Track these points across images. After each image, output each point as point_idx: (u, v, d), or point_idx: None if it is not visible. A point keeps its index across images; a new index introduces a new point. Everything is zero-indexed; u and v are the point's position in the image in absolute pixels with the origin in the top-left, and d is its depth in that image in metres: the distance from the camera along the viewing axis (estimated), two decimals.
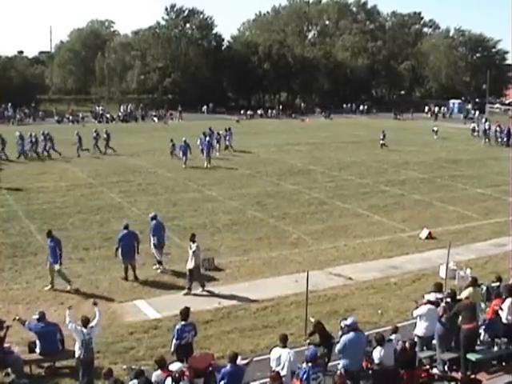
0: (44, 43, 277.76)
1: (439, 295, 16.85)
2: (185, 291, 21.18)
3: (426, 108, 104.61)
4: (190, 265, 21.25)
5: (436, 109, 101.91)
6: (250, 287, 21.80)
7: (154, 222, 24.17)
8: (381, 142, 57.22)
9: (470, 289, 17.23)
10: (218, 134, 53.84)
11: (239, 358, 14.00)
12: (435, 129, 68.30)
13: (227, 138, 54.63)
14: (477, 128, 71.97)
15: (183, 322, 15.38)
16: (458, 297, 16.83)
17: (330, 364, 15.29)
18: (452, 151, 56.78)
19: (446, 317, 15.59)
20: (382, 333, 15.01)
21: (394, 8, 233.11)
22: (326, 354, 15.52)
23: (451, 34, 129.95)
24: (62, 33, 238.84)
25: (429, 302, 16.31)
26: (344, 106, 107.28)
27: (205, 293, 21.26)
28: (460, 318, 15.68)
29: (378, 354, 14.20)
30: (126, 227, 23.26)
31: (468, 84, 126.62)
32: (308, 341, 15.99)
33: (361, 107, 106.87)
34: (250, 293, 21.05)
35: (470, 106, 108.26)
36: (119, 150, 52.65)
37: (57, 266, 21.49)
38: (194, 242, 21.51)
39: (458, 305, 15.90)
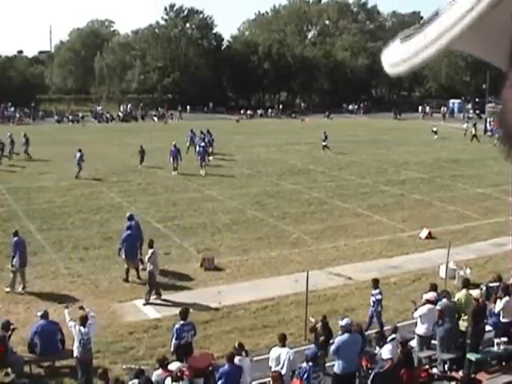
0: (44, 43, 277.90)
1: (435, 294, 16.91)
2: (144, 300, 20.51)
3: (420, 108, 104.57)
4: (147, 272, 20.67)
5: (427, 108, 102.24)
6: (250, 287, 21.81)
7: (131, 222, 23.82)
8: (322, 143, 54.33)
9: (464, 291, 17.08)
10: (208, 136, 51.11)
11: (238, 358, 14.01)
12: (434, 129, 68.04)
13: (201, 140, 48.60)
14: (471, 127, 72.04)
15: (182, 322, 15.38)
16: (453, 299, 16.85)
17: (327, 364, 15.34)
18: (452, 151, 56.76)
19: (445, 319, 15.62)
20: (380, 331, 15.03)
21: (394, 8, 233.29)
22: (324, 353, 15.57)
23: None
24: (61, 32, 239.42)
25: (428, 301, 16.34)
26: (344, 105, 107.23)
27: (159, 301, 20.52)
28: (466, 319, 15.76)
29: (386, 350, 14.22)
30: (130, 228, 23.26)
31: (468, 84, 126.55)
32: (318, 324, 16.03)
33: (350, 106, 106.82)
34: (250, 292, 21.06)
35: (469, 106, 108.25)
36: (119, 149, 52.72)
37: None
38: (151, 247, 20.96)
39: (471, 308, 15.90)
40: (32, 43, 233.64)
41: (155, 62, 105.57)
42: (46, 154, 48.96)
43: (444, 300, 16.03)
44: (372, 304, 17.67)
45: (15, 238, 21.73)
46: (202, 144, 45.78)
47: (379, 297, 17.60)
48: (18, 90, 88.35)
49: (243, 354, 14.23)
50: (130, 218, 24.16)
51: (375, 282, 17.97)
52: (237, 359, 13.85)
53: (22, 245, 21.82)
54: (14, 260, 21.25)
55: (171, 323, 18.35)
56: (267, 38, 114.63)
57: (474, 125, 67.71)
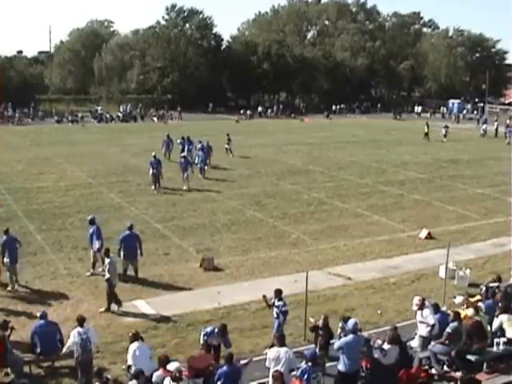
0: (43, 43, 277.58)
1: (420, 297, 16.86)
2: (102, 308, 19.84)
3: (416, 108, 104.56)
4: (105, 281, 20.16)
5: (419, 108, 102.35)
6: (250, 287, 21.79)
7: (94, 226, 23.61)
8: (226, 146, 51.04)
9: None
10: (192, 143, 46.73)
11: (137, 344, 14.09)
12: (443, 131, 65.73)
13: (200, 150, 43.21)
14: (483, 127, 71.70)
15: (216, 330, 15.41)
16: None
17: (327, 365, 15.37)
18: (451, 151, 56.75)
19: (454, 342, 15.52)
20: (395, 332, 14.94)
21: (394, 8, 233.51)
22: (325, 354, 15.61)
23: (450, 33, 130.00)
24: (61, 33, 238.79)
25: (419, 307, 16.39)
26: (336, 106, 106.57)
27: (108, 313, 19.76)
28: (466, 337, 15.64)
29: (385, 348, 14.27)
30: (130, 228, 23.25)
31: (467, 84, 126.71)
32: (319, 322, 16.14)
33: (349, 107, 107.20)
34: (250, 292, 21.01)
35: (469, 106, 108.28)
36: (118, 149, 52.72)
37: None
38: (107, 256, 20.37)
39: (465, 327, 15.69)
40: (32, 43, 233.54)
41: (155, 62, 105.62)
42: (45, 154, 49.02)
43: (454, 323, 15.73)
44: (276, 316, 16.83)
45: (4, 237, 21.97)
46: (183, 154, 41.98)
47: (284, 308, 16.82)
48: (18, 91, 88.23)
49: (139, 339, 14.49)
50: (93, 221, 23.87)
51: (278, 293, 16.98)
52: (136, 344, 14.16)
53: (12, 243, 22.02)
54: (4, 258, 21.61)
55: (171, 323, 18.46)
56: (267, 38, 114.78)
57: (427, 123, 67.01)
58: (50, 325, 16.01)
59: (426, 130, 64.89)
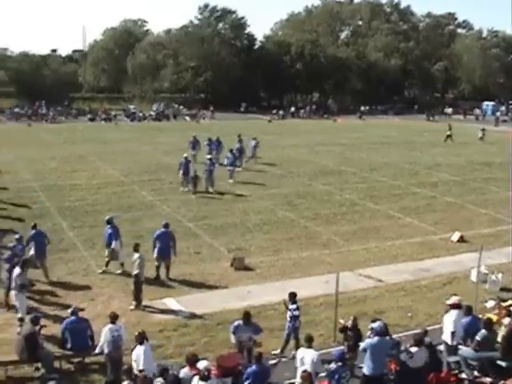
0: (77, 42, 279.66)
1: (458, 297, 16.75)
2: (132, 306, 19.87)
3: (446, 110, 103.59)
4: (133, 276, 20.20)
5: (450, 110, 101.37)
6: (280, 287, 21.71)
7: (112, 226, 23.61)
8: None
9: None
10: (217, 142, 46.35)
11: (142, 347, 14.19)
12: (480, 134, 65.33)
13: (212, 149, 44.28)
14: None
15: (242, 323, 15.48)
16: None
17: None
18: (485, 153, 56.12)
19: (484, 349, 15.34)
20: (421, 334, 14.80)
21: (428, 8, 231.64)
22: (353, 356, 15.55)
23: (484, 34, 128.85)
24: (95, 32, 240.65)
25: (452, 306, 16.24)
26: (365, 107, 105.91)
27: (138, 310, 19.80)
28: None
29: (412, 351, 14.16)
30: (166, 226, 23.39)
31: (502, 85, 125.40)
32: (348, 323, 16.09)
33: (383, 107, 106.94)
34: (280, 293, 20.94)
35: (503, 108, 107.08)
36: (151, 148, 52.96)
37: None
38: (137, 251, 20.55)
39: (503, 336, 15.54)
40: (66, 42, 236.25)
41: (188, 61, 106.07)
42: (78, 151, 49.43)
43: (483, 331, 15.44)
44: (289, 319, 16.82)
45: (33, 231, 22.44)
46: (209, 156, 40.26)
47: (297, 312, 16.74)
48: (52, 89, 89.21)
49: (145, 341, 14.44)
50: (110, 221, 23.91)
51: (292, 296, 16.96)
52: (142, 347, 14.14)
53: (41, 237, 22.50)
54: (31, 251, 22.01)
55: (201, 322, 18.49)
56: (300, 38, 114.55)
57: (449, 125, 66.13)
58: (80, 321, 16.14)
59: (448, 133, 64.25)
